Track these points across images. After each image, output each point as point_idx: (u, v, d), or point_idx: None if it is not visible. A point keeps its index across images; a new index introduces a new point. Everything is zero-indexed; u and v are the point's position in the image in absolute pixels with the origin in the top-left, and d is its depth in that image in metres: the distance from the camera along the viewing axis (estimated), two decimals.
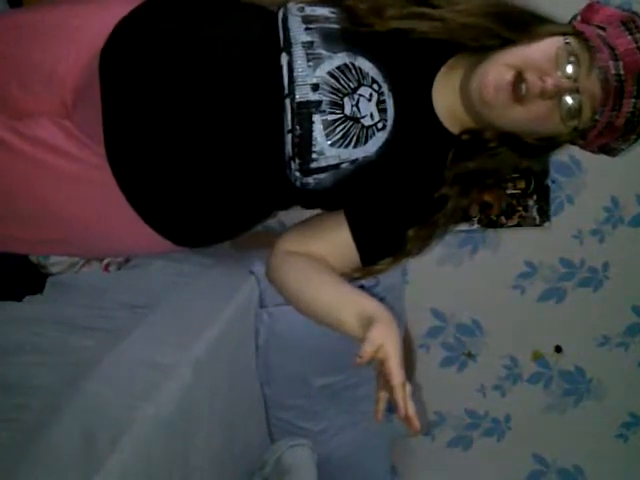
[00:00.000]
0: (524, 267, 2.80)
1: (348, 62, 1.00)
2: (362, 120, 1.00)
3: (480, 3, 1.05)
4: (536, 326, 2.82)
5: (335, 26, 1.03)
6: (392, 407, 0.92)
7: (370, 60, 1.02)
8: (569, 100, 0.98)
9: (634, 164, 2.14)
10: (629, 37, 0.98)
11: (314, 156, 0.99)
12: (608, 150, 1.06)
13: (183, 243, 1.13)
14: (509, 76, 0.98)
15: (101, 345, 1.64)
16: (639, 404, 2.90)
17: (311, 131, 0.98)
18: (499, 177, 1.12)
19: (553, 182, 2.71)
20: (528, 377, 2.88)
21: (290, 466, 2.08)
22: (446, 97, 1.06)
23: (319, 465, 2.17)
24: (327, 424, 2.33)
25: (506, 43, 1.02)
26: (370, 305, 1.01)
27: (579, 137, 1.04)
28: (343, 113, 0.99)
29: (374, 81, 1.01)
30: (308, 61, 0.99)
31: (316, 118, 0.98)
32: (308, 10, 1.04)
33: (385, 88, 1.02)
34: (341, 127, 0.99)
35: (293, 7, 1.04)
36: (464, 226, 2.68)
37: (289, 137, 0.99)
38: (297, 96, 0.98)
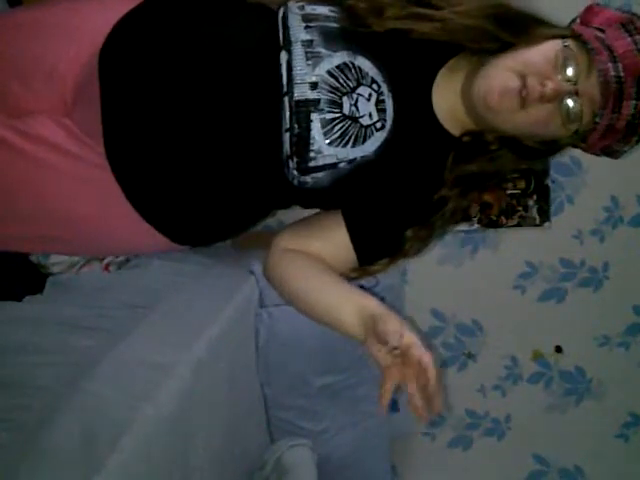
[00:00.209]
0: (524, 267, 2.80)
1: (348, 61, 1.00)
2: (360, 120, 1.00)
3: (480, 5, 1.05)
4: (536, 326, 2.82)
5: (335, 25, 1.03)
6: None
7: (370, 60, 1.02)
8: (569, 103, 0.98)
9: (634, 164, 2.14)
10: (628, 39, 0.98)
11: (312, 155, 0.99)
12: (610, 152, 1.06)
13: (182, 241, 1.13)
14: (515, 83, 0.98)
15: (101, 345, 1.64)
16: (639, 404, 2.90)
17: (309, 130, 0.98)
18: (500, 179, 1.12)
19: (553, 182, 2.71)
20: (528, 377, 2.88)
21: (290, 466, 2.08)
22: (446, 98, 1.06)
23: (319, 465, 2.17)
24: (327, 424, 2.33)
25: (505, 45, 1.02)
26: (370, 303, 1.00)
27: (580, 140, 1.04)
28: (341, 112, 0.99)
29: (373, 81, 1.01)
30: (307, 60, 0.99)
31: (314, 117, 0.98)
32: (308, 9, 1.04)
33: (385, 88, 1.02)
34: (339, 126, 0.99)
35: (293, 5, 1.04)
36: (464, 226, 2.68)
37: (287, 136, 0.99)
38: (295, 94, 0.98)
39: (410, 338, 0.92)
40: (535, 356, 2.87)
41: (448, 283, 2.78)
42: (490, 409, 2.91)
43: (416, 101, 1.06)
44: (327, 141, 0.99)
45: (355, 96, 0.99)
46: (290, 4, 1.05)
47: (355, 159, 1.01)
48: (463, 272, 2.79)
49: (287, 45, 1.00)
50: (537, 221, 2.73)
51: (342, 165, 1.01)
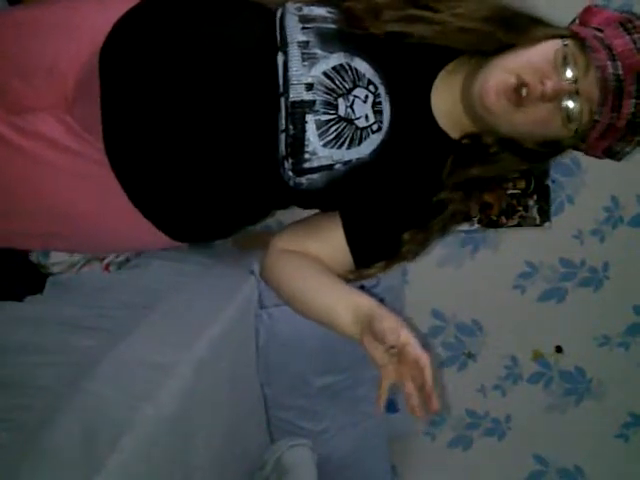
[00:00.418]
0: (524, 267, 2.80)
1: (344, 63, 1.00)
2: (356, 121, 1.00)
3: (479, 7, 1.05)
4: (536, 326, 2.82)
5: (332, 26, 1.03)
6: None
7: (367, 61, 1.02)
8: (569, 103, 0.98)
9: (634, 164, 2.14)
10: (627, 37, 0.98)
11: (307, 156, 0.99)
12: (612, 154, 1.05)
13: (181, 238, 1.14)
14: (510, 81, 0.98)
15: (102, 345, 1.64)
16: (639, 404, 2.90)
17: (304, 131, 0.98)
18: (501, 181, 1.12)
19: (553, 182, 2.71)
20: (528, 377, 2.88)
21: (290, 466, 2.08)
22: (445, 101, 1.06)
23: (319, 465, 2.17)
24: (327, 424, 2.33)
25: (505, 47, 1.02)
26: (366, 302, 1.00)
27: (580, 140, 1.03)
28: (337, 114, 0.99)
29: (370, 83, 1.01)
30: (303, 61, 0.99)
31: (309, 118, 0.98)
32: (306, 10, 1.04)
33: (382, 90, 1.02)
34: (334, 128, 0.99)
35: (291, 6, 1.05)
36: (464, 226, 2.68)
37: (283, 136, 0.99)
38: (291, 95, 0.98)
39: (407, 337, 0.92)
40: (535, 356, 2.87)
41: (448, 283, 2.78)
42: (490, 409, 2.91)
43: (414, 103, 1.06)
44: (322, 143, 0.99)
45: (351, 98, 0.99)
46: (288, 5, 1.05)
47: (350, 161, 1.01)
48: (463, 272, 2.79)
49: (284, 46, 1.00)
50: (537, 221, 2.73)
51: (337, 167, 1.01)
